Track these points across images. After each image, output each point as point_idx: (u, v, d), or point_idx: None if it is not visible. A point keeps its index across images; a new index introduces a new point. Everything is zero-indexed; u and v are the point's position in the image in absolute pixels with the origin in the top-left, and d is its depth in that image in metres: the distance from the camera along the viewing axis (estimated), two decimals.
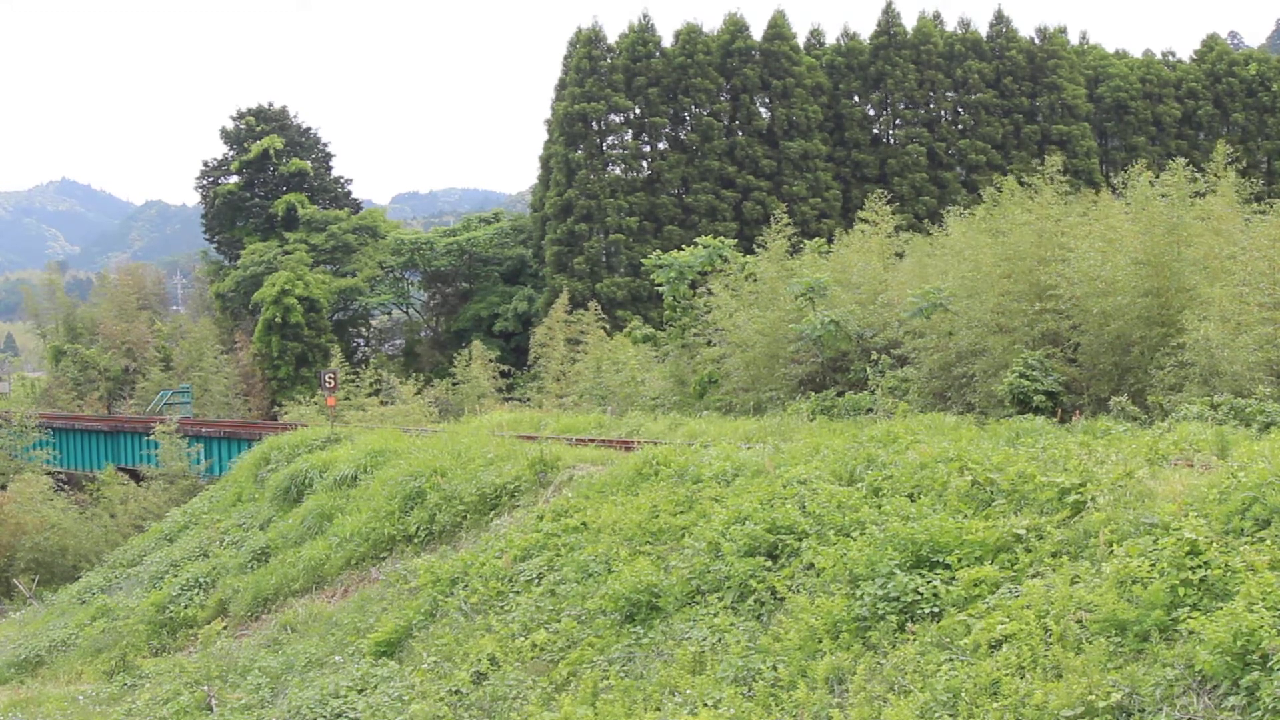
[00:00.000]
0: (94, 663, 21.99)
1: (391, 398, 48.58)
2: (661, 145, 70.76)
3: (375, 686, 15.10)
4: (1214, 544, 9.38)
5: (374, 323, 77.96)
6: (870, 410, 22.38)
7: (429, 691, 14.13)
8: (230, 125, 76.60)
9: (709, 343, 29.47)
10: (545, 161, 69.99)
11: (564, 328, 50.83)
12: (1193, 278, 20.16)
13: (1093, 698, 8.52)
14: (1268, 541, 9.25)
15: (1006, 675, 9.19)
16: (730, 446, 17.72)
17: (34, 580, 34.05)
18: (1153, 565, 9.45)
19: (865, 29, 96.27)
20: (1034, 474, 12.01)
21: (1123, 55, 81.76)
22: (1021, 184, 23.86)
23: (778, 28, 71.57)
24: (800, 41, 73.37)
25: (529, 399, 46.39)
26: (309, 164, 75.53)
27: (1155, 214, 20.86)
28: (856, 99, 73.64)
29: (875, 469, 14.04)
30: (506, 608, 15.47)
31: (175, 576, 24.67)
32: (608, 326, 49.41)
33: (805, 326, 25.37)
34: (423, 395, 46.48)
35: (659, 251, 33.81)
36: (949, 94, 74.22)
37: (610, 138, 69.97)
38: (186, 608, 23.03)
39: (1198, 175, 21.77)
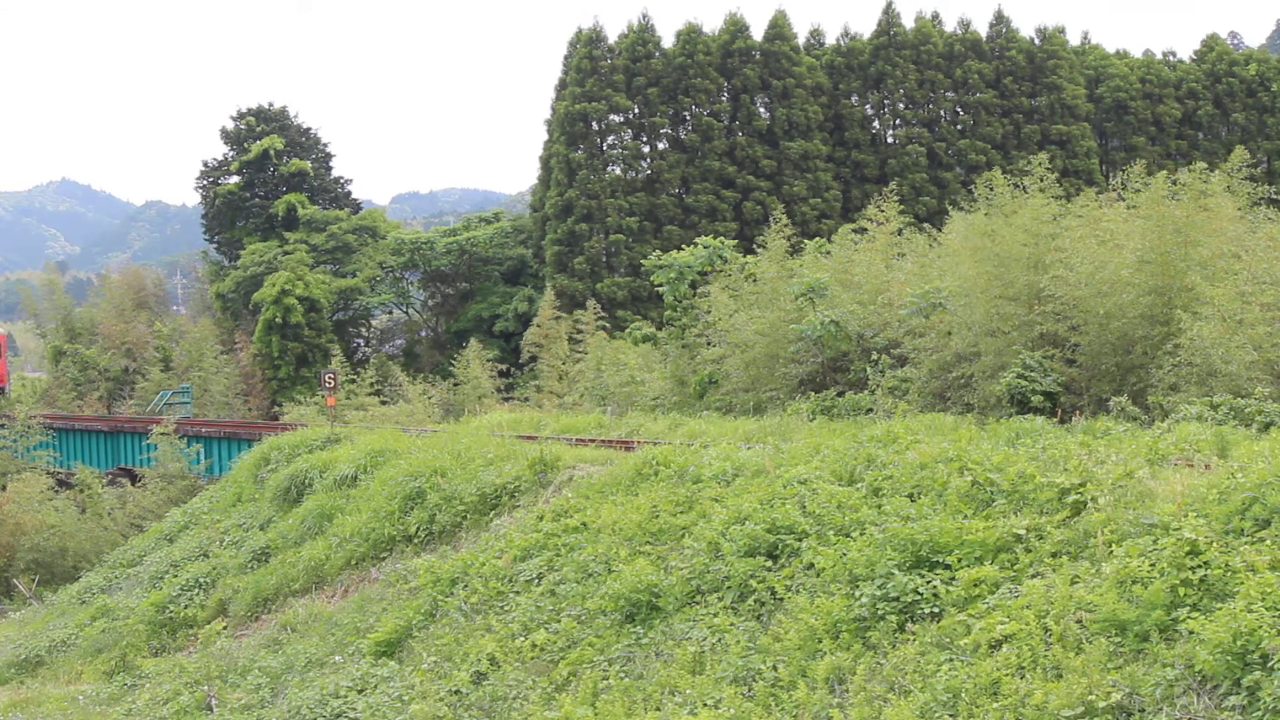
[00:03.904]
0: (94, 663, 21.99)
1: (395, 396, 48.56)
2: (661, 145, 70.72)
3: (375, 686, 15.11)
4: (1214, 544, 9.38)
5: (374, 323, 77.93)
6: (870, 410, 22.38)
7: (429, 691, 14.14)
8: (230, 125, 76.58)
9: (709, 343, 29.46)
10: (545, 161, 69.97)
11: (554, 326, 50.88)
12: (1195, 277, 20.15)
13: (1093, 698, 8.52)
14: (1268, 541, 9.25)
15: (1006, 675, 9.19)
16: (730, 447, 17.72)
17: (34, 580, 34.05)
18: (1153, 565, 9.45)
19: (865, 29, 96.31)
20: (1034, 474, 12.01)
21: (1123, 55, 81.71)
22: (1017, 186, 23.77)
23: (778, 28, 71.53)
24: (800, 42, 73.32)
25: (528, 399, 46.41)
26: (309, 164, 75.48)
27: (1164, 214, 20.84)
28: (856, 99, 73.61)
29: (875, 469, 14.04)
30: (506, 608, 15.48)
31: (175, 576, 24.67)
32: (608, 326, 49.40)
33: (805, 327, 25.36)
34: (428, 395, 46.49)
35: (659, 252, 33.81)
36: (949, 94, 74.16)
37: (610, 138, 69.92)
38: (186, 608, 23.02)
39: (1211, 177, 21.73)
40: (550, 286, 60.93)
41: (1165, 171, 22.76)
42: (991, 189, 24.05)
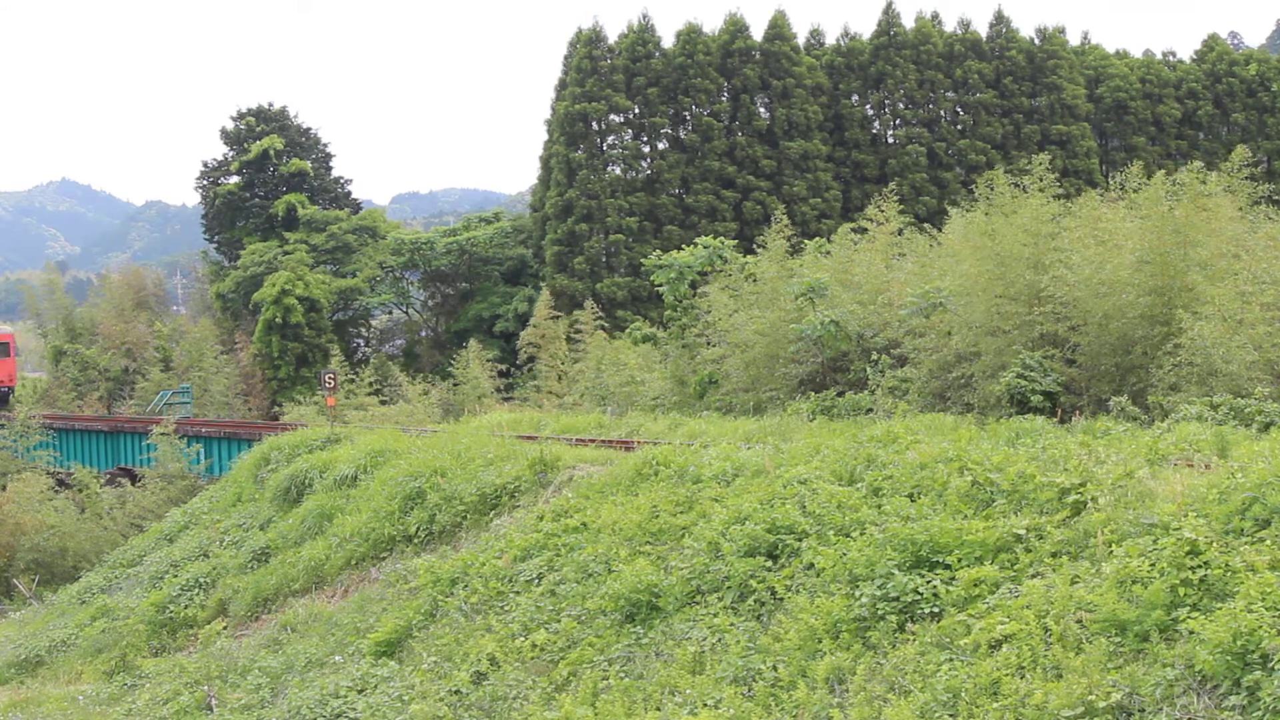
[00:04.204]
0: (94, 663, 21.99)
1: (395, 396, 48.57)
2: (661, 145, 70.68)
3: (375, 686, 15.11)
4: (1214, 544, 9.38)
5: (374, 323, 77.91)
6: (870, 410, 22.38)
7: (429, 691, 14.14)
8: (230, 125, 76.55)
9: (709, 343, 29.47)
10: (545, 161, 69.95)
11: (551, 326, 50.90)
12: (1195, 277, 20.15)
13: (1093, 698, 8.52)
14: (1268, 541, 9.25)
15: (1006, 675, 9.19)
16: (730, 446, 17.72)
17: (34, 580, 34.05)
18: (1153, 565, 9.45)
19: (865, 29, 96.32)
20: (1034, 474, 12.01)
21: (1123, 55, 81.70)
22: (1016, 185, 23.75)
23: (778, 28, 71.52)
24: (800, 42, 73.28)
25: (528, 399, 46.43)
26: (309, 164, 75.44)
27: (1162, 214, 20.83)
28: (856, 99, 73.58)
29: (875, 469, 14.04)
30: (506, 608, 15.48)
31: (175, 576, 24.68)
32: (606, 326, 49.39)
33: (805, 327, 25.37)
34: (428, 395, 46.51)
35: (659, 252, 33.79)
36: (949, 94, 74.14)
37: (610, 138, 69.88)
38: (186, 608, 23.03)
39: (1208, 177, 21.70)
40: (546, 287, 60.87)
41: (1163, 172, 22.74)
42: (993, 188, 24.00)
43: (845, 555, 11.99)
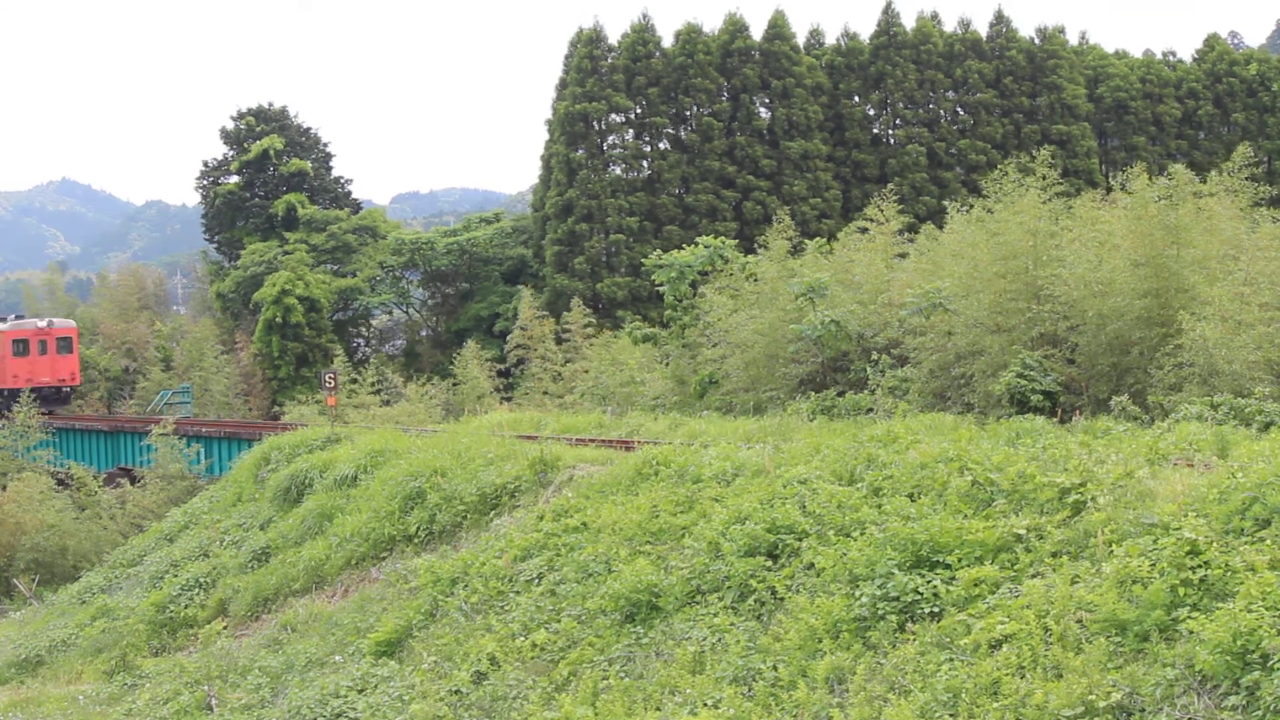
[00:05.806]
0: (94, 663, 22.00)
1: (396, 396, 48.58)
2: (662, 145, 70.65)
3: (375, 686, 15.12)
4: (1214, 544, 9.39)
5: (374, 323, 77.91)
6: (870, 410, 22.39)
7: (429, 691, 14.15)
8: (230, 125, 76.54)
9: (710, 343, 29.46)
10: (546, 161, 69.94)
11: (537, 326, 50.88)
12: (1192, 278, 20.15)
13: (1093, 698, 8.53)
14: (1268, 541, 9.26)
15: (1006, 675, 9.20)
16: (730, 446, 17.71)
17: (34, 580, 34.05)
18: (1153, 565, 9.46)
19: (865, 29, 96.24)
20: (1034, 474, 12.01)
21: (1123, 55, 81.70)
22: (1020, 184, 23.75)
23: (777, 28, 71.50)
24: (800, 41, 73.26)
25: (529, 393, 46.45)
26: (309, 164, 75.44)
27: (1154, 215, 20.85)
28: (856, 99, 73.55)
29: (875, 469, 14.04)
30: (506, 608, 15.49)
31: (175, 576, 24.68)
32: (594, 325, 49.33)
33: (806, 326, 25.37)
34: (428, 394, 46.50)
35: (659, 251, 33.78)
36: (949, 94, 74.13)
37: (611, 138, 69.88)
38: (186, 608, 23.03)
39: (1204, 177, 21.72)
40: (528, 288, 60.76)
41: (1147, 176, 22.75)
42: (1000, 184, 23.99)
43: (845, 555, 12.00)
